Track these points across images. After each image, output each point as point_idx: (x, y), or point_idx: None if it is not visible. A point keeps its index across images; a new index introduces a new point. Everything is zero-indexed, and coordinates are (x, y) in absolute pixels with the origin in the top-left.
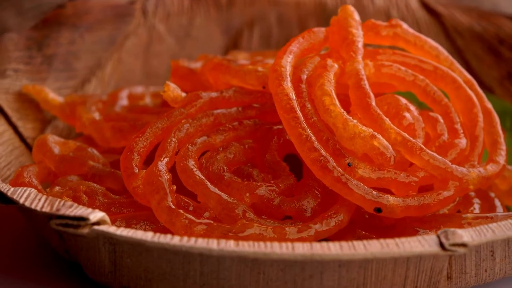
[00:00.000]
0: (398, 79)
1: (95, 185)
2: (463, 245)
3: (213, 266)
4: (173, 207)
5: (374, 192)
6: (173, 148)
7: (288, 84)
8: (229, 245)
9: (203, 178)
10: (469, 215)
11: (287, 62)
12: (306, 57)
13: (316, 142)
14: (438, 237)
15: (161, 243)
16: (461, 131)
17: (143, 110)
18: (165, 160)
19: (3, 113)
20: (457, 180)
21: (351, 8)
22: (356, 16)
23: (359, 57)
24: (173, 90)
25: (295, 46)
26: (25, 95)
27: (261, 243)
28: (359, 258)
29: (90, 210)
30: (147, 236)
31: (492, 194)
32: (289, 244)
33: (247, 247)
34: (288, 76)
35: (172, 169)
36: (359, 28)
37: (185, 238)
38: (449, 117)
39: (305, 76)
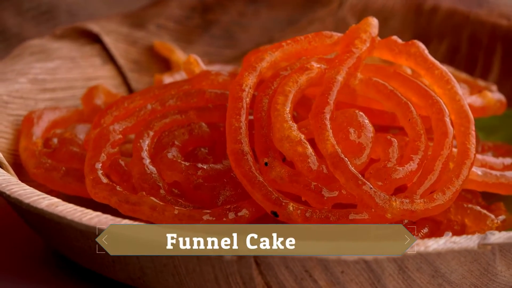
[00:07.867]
0: (383, 97)
1: (78, 136)
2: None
3: (54, 223)
4: (97, 166)
5: (275, 195)
6: (142, 115)
7: (249, 76)
8: (39, 203)
9: (142, 147)
10: None
11: (267, 56)
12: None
13: (242, 135)
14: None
15: None
16: (416, 162)
17: None
18: (126, 123)
19: (114, 62)
20: (373, 205)
21: (370, 21)
22: (372, 30)
23: (343, 67)
24: (193, 63)
25: (290, 45)
26: (155, 51)
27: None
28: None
29: None
30: None
31: (449, 234)
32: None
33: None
34: (257, 69)
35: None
36: (366, 41)
37: (14, 189)
38: (414, 145)
39: (284, 74)
